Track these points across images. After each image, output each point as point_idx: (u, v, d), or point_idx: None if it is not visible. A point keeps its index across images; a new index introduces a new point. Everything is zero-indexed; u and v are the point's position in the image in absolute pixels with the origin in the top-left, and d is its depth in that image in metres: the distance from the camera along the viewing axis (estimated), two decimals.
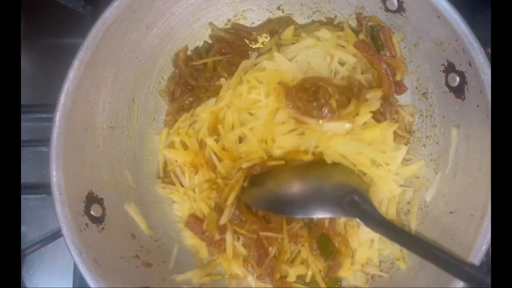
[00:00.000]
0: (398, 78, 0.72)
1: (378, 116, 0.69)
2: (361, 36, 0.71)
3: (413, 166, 0.71)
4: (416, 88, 0.72)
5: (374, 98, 0.68)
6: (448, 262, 0.56)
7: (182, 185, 0.72)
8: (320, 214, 0.64)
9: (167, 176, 0.73)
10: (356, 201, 0.64)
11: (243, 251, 0.68)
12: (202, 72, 0.74)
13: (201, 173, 0.71)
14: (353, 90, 0.68)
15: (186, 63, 0.74)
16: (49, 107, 0.69)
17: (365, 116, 0.66)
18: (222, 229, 0.68)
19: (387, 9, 0.68)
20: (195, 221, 0.70)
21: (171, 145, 0.73)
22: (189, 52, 0.76)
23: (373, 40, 0.72)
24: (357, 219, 0.63)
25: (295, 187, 0.66)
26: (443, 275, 0.57)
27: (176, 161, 0.72)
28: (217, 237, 0.68)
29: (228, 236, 0.68)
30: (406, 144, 0.72)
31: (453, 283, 0.57)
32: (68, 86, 0.60)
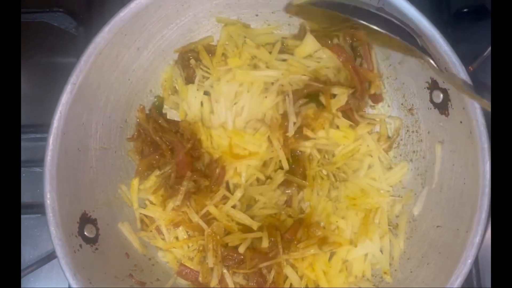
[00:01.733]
0: (372, 92, 0.74)
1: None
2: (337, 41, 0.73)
3: (397, 170, 0.73)
4: (402, 104, 0.74)
5: (342, 95, 0.70)
6: None
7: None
8: None
9: (145, 227, 0.72)
10: None
11: (242, 281, 0.69)
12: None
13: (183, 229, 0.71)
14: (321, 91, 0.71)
15: (148, 120, 0.74)
16: (43, 127, 0.70)
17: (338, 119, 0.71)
18: (221, 279, 0.68)
19: None
20: (186, 269, 0.70)
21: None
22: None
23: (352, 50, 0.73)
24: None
25: None
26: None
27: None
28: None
29: (229, 282, 0.67)
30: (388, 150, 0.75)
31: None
32: (61, 109, 0.61)
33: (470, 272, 0.72)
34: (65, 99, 0.61)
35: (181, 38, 0.74)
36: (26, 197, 0.83)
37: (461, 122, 0.62)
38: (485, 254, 0.72)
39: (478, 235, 0.58)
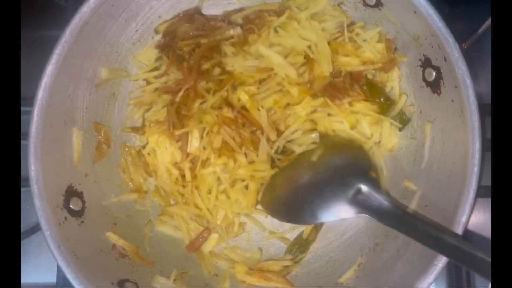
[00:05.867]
0: None
1: None
2: None
3: None
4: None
5: None
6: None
7: None
8: (328, 218, 0.65)
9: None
10: (363, 193, 0.63)
11: None
12: None
13: None
14: None
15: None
16: (30, 100, 0.69)
17: None
18: None
19: (365, 4, 0.68)
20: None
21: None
22: None
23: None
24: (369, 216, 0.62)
25: (296, 194, 0.66)
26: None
27: None
28: None
29: None
30: None
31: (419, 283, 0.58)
32: (45, 80, 0.60)
33: (461, 272, 0.74)
34: (50, 70, 0.60)
35: (171, 10, 0.72)
36: None
37: (452, 101, 0.61)
38: None
39: (465, 214, 0.58)
